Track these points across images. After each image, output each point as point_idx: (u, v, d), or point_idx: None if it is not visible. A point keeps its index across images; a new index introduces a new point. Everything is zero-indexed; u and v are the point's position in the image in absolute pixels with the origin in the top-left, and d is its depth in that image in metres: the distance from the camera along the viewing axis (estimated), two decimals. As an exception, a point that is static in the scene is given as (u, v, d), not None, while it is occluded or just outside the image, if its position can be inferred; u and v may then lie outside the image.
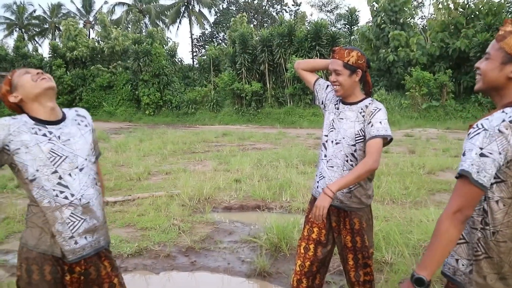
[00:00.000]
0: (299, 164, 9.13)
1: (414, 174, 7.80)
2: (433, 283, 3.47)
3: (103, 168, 9.21)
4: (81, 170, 2.04)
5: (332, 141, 2.60)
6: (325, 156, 2.63)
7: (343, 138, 2.55)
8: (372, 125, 2.45)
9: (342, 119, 2.59)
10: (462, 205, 1.49)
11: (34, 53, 36.01)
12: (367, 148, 2.45)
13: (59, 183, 1.96)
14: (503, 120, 1.47)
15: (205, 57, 33.54)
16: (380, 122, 2.44)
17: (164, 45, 31.25)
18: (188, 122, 26.21)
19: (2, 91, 2.03)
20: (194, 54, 45.19)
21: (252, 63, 25.80)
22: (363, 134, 2.51)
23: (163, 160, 10.62)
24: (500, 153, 1.46)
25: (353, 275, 2.63)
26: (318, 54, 23.87)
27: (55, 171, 1.96)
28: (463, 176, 1.49)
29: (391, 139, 2.49)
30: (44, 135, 1.98)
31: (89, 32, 43.03)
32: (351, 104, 2.59)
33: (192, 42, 44.94)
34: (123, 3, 45.09)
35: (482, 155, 1.47)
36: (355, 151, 2.53)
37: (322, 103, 2.79)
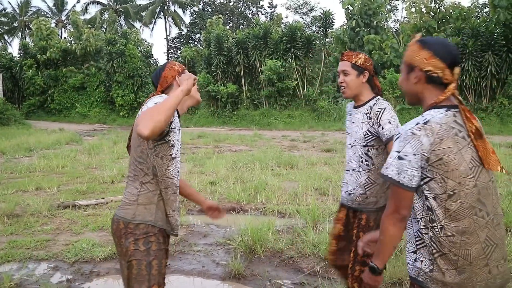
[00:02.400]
0: (274, 166, 9.16)
1: (387, 175, 7.92)
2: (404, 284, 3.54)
3: (75, 171, 9.04)
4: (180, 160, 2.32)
5: (348, 145, 2.77)
6: (346, 161, 2.80)
7: (355, 140, 2.69)
8: (382, 128, 2.53)
9: (353, 122, 2.73)
10: (396, 205, 1.65)
11: (3, 52, 35.10)
12: (388, 151, 2.52)
13: (180, 166, 2.26)
14: (417, 123, 1.62)
15: (180, 58, 33.33)
16: (390, 122, 2.53)
17: (138, 46, 30.90)
18: (163, 123, 25.95)
19: (176, 68, 2.29)
20: (170, 55, 44.87)
21: (227, 65, 25.77)
22: (370, 133, 2.60)
23: (137, 162, 10.47)
24: (414, 154, 1.60)
25: (350, 267, 2.72)
26: (293, 56, 24.01)
27: (178, 156, 2.23)
28: (388, 179, 1.66)
29: None
30: (178, 123, 2.22)
31: (61, 31, 42.20)
32: (359, 106, 2.71)
33: (167, 43, 44.61)
34: (97, 2, 44.41)
35: (399, 157, 1.62)
36: (368, 150, 2.63)
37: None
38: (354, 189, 2.68)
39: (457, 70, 1.68)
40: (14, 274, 3.98)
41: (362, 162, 2.65)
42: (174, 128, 2.13)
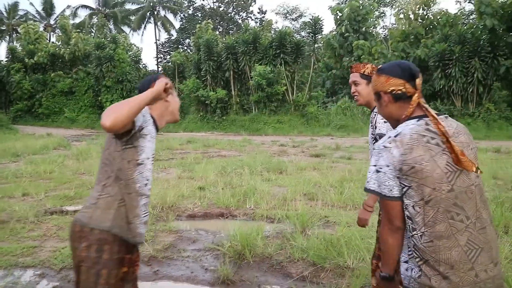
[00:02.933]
0: (264, 171, 9.16)
1: (375, 180, 7.96)
2: None
3: (62, 177, 8.95)
4: (152, 166, 2.29)
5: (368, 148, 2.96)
6: None
7: (370, 143, 2.89)
8: (376, 128, 2.72)
9: (369, 127, 2.91)
10: (388, 217, 1.74)
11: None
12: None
13: (149, 175, 2.20)
14: (389, 137, 1.74)
15: (170, 63, 33.26)
16: (381, 123, 2.69)
17: (128, 51, 30.78)
18: (152, 128, 25.86)
19: (169, 85, 2.23)
20: (159, 60, 44.77)
21: (217, 70, 25.79)
22: (373, 136, 2.79)
23: (126, 167, 10.40)
24: (387, 166, 1.70)
25: (371, 260, 2.92)
26: (283, 61, 24.10)
27: (151, 164, 2.22)
28: (372, 193, 1.76)
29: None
30: (152, 137, 2.20)
31: (50, 35, 41.89)
32: (371, 111, 2.90)
33: (157, 47, 44.53)
34: (86, 6, 44.20)
35: (376, 171, 1.74)
36: None
37: None
38: None
39: (418, 81, 1.80)
40: (0, 281, 3.92)
41: None
42: (146, 135, 2.13)
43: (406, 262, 1.77)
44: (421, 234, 1.68)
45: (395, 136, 1.72)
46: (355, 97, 2.89)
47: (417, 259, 1.70)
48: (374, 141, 2.78)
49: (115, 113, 1.86)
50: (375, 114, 2.77)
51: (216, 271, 4.11)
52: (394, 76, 1.81)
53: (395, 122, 1.88)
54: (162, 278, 4.09)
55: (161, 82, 2.13)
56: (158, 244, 4.91)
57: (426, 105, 1.77)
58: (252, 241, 4.55)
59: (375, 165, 1.75)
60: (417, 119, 1.75)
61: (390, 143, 1.71)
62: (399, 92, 1.80)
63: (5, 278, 4.00)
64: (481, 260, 1.66)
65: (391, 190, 1.70)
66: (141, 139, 2.11)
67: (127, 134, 2.04)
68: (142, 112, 2.09)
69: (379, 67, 1.91)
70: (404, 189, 1.69)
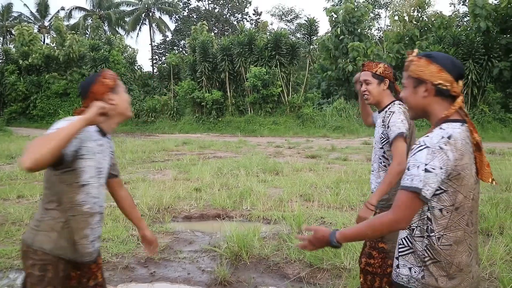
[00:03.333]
0: (260, 173, 9.16)
1: (371, 181, 7.98)
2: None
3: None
4: (104, 183, 2.26)
5: (373, 148, 2.92)
6: (371, 162, 2.95)
7: (375, 143, 2.86)
8: (389, 128, 2.69)
9: (376, 126, 2.90)
10: (405, 216, 1.62)
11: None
12: (391, 151, 2.69)
13: (97, 192, 2.15)
14: (442, 137, 1.63)
15: (165, 64, 33.22)
16: (395, 124, 2.68)
17: (123, 52, 30.70)
18: (147, 130, 25.84)
19: (108, 84, 2.13)
20: (154, 61, 44.70)
21: (212, 72, 25.79)
22: (385, 136, 2.76)
23: (121, 169, 10.39)
24: (441, 168, 1.60)
25: (359, 259, 2.87)
26: (278, 63, 24.14)
27: (98, 182, 2.15)
28: (407, 190, 1.61)
29: (402, 134, 2.67)
30: (100, 145, 2.15)
31: (44, 37, 41.72)
32: (380, 111, 2.87)
33: (152, 49, 44.45)
34: (81, 8, 44.06)
35: (426, 170, 1.60)
36: (384, 152, 2.79)
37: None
38: (375, 187, 2.81)
39: (460, 83, 1.73)
40: (-5, 283, 3.90)
41: (381, 163, 2.81)
42: (84, 155, 2.04)
43: (396, 258, 1.80)
44: (439, 236, 1.67)
45: (449, 138, 1.63)
46: (365, 96, 2.86)
47: (426, 258, 1.69)
48: (385, 141, 2.76)
49: (35, 153, 1.71)
50: (389, 114, 2.73)
51: (213, 272, 4.11)
52: (446, 70, 1.71)
53: (420, 114, 1.82)
54: (159, 279, 4.08)
55: (95, 108, 1.92)
56: (154, 245, 4.89)
57: (466, 111, 1.73)
58: (249, 242, 4.55)
59: (426, 164, 1.60)
60: (460, 123, 1.70)
61: (445, 145, 1.62)
62: (445, 88, 1.71)
63: (0, 281, 3.98)
64: (474, 262, 1.75)
65: (432, 193, 1.61)
66: (80, 161, 2.03)
67: (58, 164, 1.95)
68: None
69: (429, 53, 1.77)
70: (437, 192, 1.64)
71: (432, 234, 1.68)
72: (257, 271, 4.18)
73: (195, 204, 6.69)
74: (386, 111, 2.78)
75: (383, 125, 2.76)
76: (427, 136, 1.67)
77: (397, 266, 1.78)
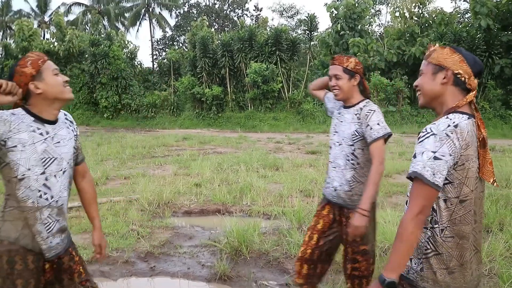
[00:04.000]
0: (260, 168, 9.17)
1: (371, 177, 7.97)
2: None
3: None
4: (63, 173, 2.10)
5: (335, 143, 2.82)
6: (330, 157, 2.86)
7: (343, 139, 2.76)
8: (371, 128, 2.62)
9: (342, 122, 2.80)
10: (423, 206, 1.60)
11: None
12: (370, 152, 2.63)
13: (44, 184, 2.01)
14: (448, 125, 1.62)
15: (165, 60, 33.15)
16: (378, 124, 2.62)
17: (123, 48, 30.63)
18: (147, 126, 25.83)
19: (26, 72, 1.96)
20: (154, 57, 44.60)
21: (212, 67, 25.74)
22: (359, 134, 2.69)
23: (121, 164, 10.40)
24: (450, 155, 1.59)
25: (343, 266, 2.84)
26: (278, 59, 24.10)
27: (43, 172, 2.00)
28: (417, 179, 1.60)
29: (391, 134, 2.66)
30: (41, 134, 2.01)
31: (44, 32, 41.61)
32: (349, 107, 2.79)
33: (152, 45, 44.36)
34: (80, 4, 43.94)
35: (435, 158, 1.58)
36: (354, 150, 2.71)
37: (332, 112, 3.01)
38: (340, 185, 2.75)
39: (476, 81, 1.75)
40: None
41: (348, 160, 2.73)
42: (14, 146, 1.92)
43: None
44: (442, 228, 1.66)
45: (455, 127, 1.62)
46: (335, 91, 2.78)
47: (427, 250, 1.69)
48: (358, 139, 2.68)
49: None
50: (369, 112, 2.65)
51: (213, 267, 4.12)
52: (467, 63, 1.73)
53: (432, 102, 1.80)
54: (159, 274, 4.10)
55: None
56: (154, 240, 4.91)
57: (476, 106, 1.73)
58: (249, 237, 4.56)
59: (434, 151, 1.58)
60: (467, 116, 1.69)
61: (452, 133, 1.61)
62: (463, 79, 1.72)
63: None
64: (475, 260, 1.74)
65: (443, 180, 1.59)
66: (10, 153, 1.92)
67: None
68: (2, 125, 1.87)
69: (453, 46, 1.80)
70: (444, 183, 1.63)
71: (436, 225, 1.67)
72: (257, 266, 4.19)
73: (195, 199, 6.70)
74: (362, 109, 2.70)
75: (358, 122, 2.68)
76: (434, 123, 1.66)
77: None
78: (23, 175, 1.95)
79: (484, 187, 1.76)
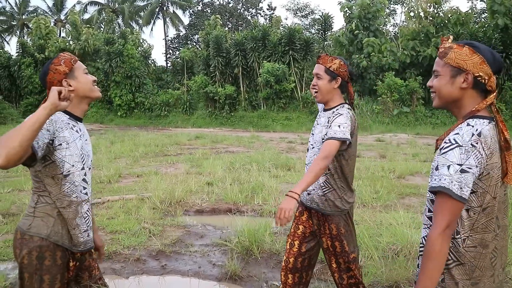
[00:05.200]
0: (272, 168, 9.15)
1: (384, 178, 7.93)
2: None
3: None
4: (90, 169, 2.23)
5: (310, 146, 2.73)
6: (306, 160, 2.77)
7: (315, 142, 2.67)
8: (330, 127, 2.51)
9: (318, 124, 2.71)
10: (450, 221, 1.54)
11: (0, 50, 34.96)
12: (321, 147, 2.50)
13: (83, 180, 2.13)
14: (473, 134, 1.55)
15: (178, 59, 33.29)
16: (339, 126, 2.49)
17: (138, 47, 30.85)
18: (160, 124, 25.97)
19: (60, 70, 2.07)
20: (168, 56, 44.83)
21: (225, 66, 25.79)
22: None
23: (134, 162, 10.47)
24: (477, 166, 1.53)
25: (337, 277, 2.73)
26: (292, 58, 24.05)
27: (83, 168, 2.13)
28: (443, 193, 1.53)
29: (346, 142, 2.51)
30: (77, 131, 2.11)
31: (60, 31, 42.10)
32: (327, 110, 2.69)
33: (166, 43, 44.59)
34: (96, 2, 44.34)
35: (462, 171, 1.51)
36: None
37: None
38: (314, 189, 2.67)
39: (494, 79, 1.66)
40: (9, 273, 3.96)
41: None
42: (60, 144, 2.00)
43: (418, 258, 1.74)
44: (465, 238, 1.60)
45: (479, 136, 1.55)
46: (313, 91, 2.68)
47: (450, 261, 1.63)
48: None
49: (5, 147, 1.64)
50: (336, 115, 2.55)
51: (224, 266, 4.12)
52: (487, 63, 1.62)
53: (448, 105, 1.74)
54: (170, 272, 4.10)
55: (52, 93, 1.79)
56: (166, 238, 4.92)
57: (497, 107, 1.66)
58: (260, 237, 4.55)
59: (461, 164, 1.51)
60: (488, 120, 1.62)
61: (477, 143, 1.54)
62: (483, 81, 1.63)
63: (15, 270, 4.04)
64: (497, 266, 1.67)
65: (468, 193, 1.52)
66: (57, 151, 2.00)
67: (33, 160, 1.87)
68: (45, 125, 1.91)
69: (471, 43, 1.66)
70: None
71: (458, 236, 1.61)
72: (267, 266, 4.17)
73: (207, 198, 6.71)
74: (333, 112, 2.61)
75: (327, 126, 2.58)
76: (457, 133, 1.58)
77: (418, 266, 1.72)
78: (68, 171, 2.05)
79: (506, 190, 1.69)
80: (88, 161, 2.18)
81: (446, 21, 23.39)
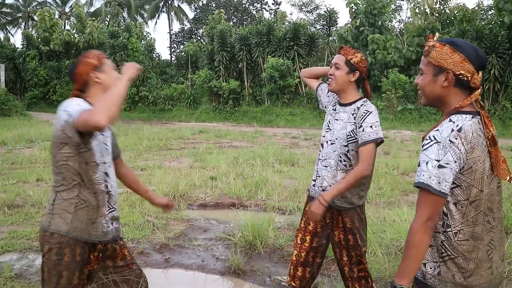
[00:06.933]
0: (275, 163, 9.15)
1: (388, 175, 7.92)
2: None
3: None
4: (110, 165, 2.27)
5: (327, 142, 2.71)
6: (321, 155, 2.75)
7: (336, 139, 2.65)
8: (363, 130, 2.52)
9: (337, 120, 2.69)
10: (431, 214, 1.59)
11: (6, 43, 35.02)
12: (359, 154, 2.53)
13: (105, 173, 2.20)
14: (452, 130, 1.59)
15: (183, 53, 33.26)
16: (371, 126, 2.52)
17: (142, 40, 30.83)
18: (164, 118, 25.98)
19: (90, 62, 2.18)
20: (172, 50, 44.78)
21: (230, 61, 25.74)
22: (354, 135, 2.59)
23: (138, 156, 10.49)
24: (455, 162, 1.58)
25: (347, 271, 2.73)
26: (296, 54, 23.98)
27: (104, 161, 2.20)
28: (423, 188, 1.58)
29: (382, 141, 2.56)
30: None
31: (65, 23, 42.10)
32: (345, 105, 2.68)
33: (170, 37, 44.54)
34: (101, -5, 44.29)
35: (440, 166, 1.57)
36: (348, 151, 2.62)
37: (325, 107, 2.91)
38: (331, 186, 2.65)
39: (480, 74, 1.68)
40: (15, 264, 3.98)
41: (340, 161, 2.64)
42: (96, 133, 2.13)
43: None
44: (456, 231, 1.64)
45: (458, 131, 1.58)
46: (329, 80, 2.67)
47: (443, 254, 1.66)
48: (353, 140, 2.58)
49: (109, 109, 1.84)
50: (365, 113, 2.55)
51: (227, 260, 4.13)
52: (470, 60, 1.64)
53: (433, 103, 1.77)
54: (173, 265, 4.12)
55: (133, 69, 2.14)
56: (169, 232, 4.95)
57: (481, 103, 1.67)
58: (263, 232, 4.56)
59: (438, 160, 1.57)
60: (471, 115, 1.64)
61: (456, 138, 1.57)
62: (465, 79, 1.65)
63: (20, 261, 4.07)
64: (495, 258, 1.70)
65: (449, 187, 1.58)
66: (93, 140, 2.12)
67: (90, 136, 2.06)
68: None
69: (452, 40, 1.69)
70: (451, 187, 1.61)
71: (449, 229, 1.65)
72: (271, 261, 4.19)
73: (211, 192, 6.73)
74: (359, 108, 2.59)
75: (354, 123, 2.59)
76: (437, 130, 1.63)
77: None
78: (99, 160, 2.14)
79: (498, 181, 1.71)
80: (109, 156, 2.24)
81: (452, 17, 23.24)
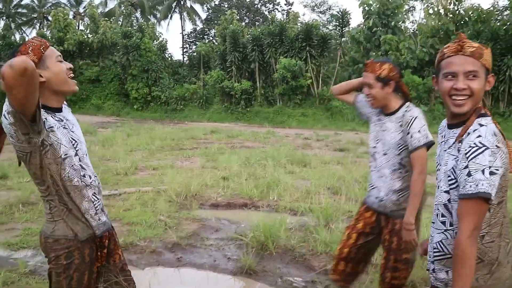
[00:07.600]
0: (287, 164, 9.13)
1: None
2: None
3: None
4: (86, 155, 2.14)
5: (379, 153, 2.73)
6: (375, 167, 2.76)
7: (389, 149, 2.66)
8: (411, 136, 2.53)
9: (385, 130, 2.70)
10: (478, 222, 1.54)
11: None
12: (412, 160, 2.55)
13: (81, 165, 2.05)
14: (493, 135, 1.56)
15: (195, 53, 33.36)
16: (419, 131, 2.53)
17: (154, 40, 30.98)
18: (176, 118, 26.08)
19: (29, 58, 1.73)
20: (185, 50, 44.96)
21: (242, 62, 25.74)
22: (404, 142, 2.60)
23: (150, 155, 10.55)
24: (502, 167, 1.54)
25: (381, 273, 2.75)
26: (308, 54, 23.91)
27: (76, 154, 2.04)
28: (479, 197, 1.51)
29: (433, 143, 2.54)
30: (59, 120, 2.00)
31: (79, 24, 42.50)
32: (390, 114, 2.68)
33: (182, 38, 44.72)
34: (115, -4, 44.64)
35: (491, 173, 1.51)
36: (401, 159, 2.63)
37: (368, 118, 2.91)
38: (387, 195, 2.68)
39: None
40: (29, 260, 4.03)
41: (395, 170, 2.65)
42: (52, 126, 1.91)
43: (432, 262, 1.74)
44: (483, 234, 1.61)
45: (495, 135, 1.56)
46: (369, 101, 2.70)
47: None
48: (403, 147, 2.58)
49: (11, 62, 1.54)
50: (410, 119, 2.55)
51: (239, 260, 4.14)
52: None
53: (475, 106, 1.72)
54: (185, 265, 4.14)
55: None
56: (181, 231, 4.96)
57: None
58: (275, 232, 4.56)
59: (490, 166, 1.51)
60: (487, 116, 1.64)
61: (499, 143, 1.55)
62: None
63: (34, 258, 4.11)
64: (511, 253, 1.68)
65: (495, 193, 1.52)
66: (51, 133, 1.90)
67: (33, 119, 1.74)
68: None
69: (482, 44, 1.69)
70: None
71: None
72: (282, 262, 4.18)
73: (222, 192, 6.73)
74: (404, 115, 2.60)
75: (402, 130, 2.59)
76: (479, 136, 1.56)
77: (433, 271, 1.73)
78: (66, 154, 1.96)
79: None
80: (82, 147, 2.09)
81: (467, 18, 22.99)
